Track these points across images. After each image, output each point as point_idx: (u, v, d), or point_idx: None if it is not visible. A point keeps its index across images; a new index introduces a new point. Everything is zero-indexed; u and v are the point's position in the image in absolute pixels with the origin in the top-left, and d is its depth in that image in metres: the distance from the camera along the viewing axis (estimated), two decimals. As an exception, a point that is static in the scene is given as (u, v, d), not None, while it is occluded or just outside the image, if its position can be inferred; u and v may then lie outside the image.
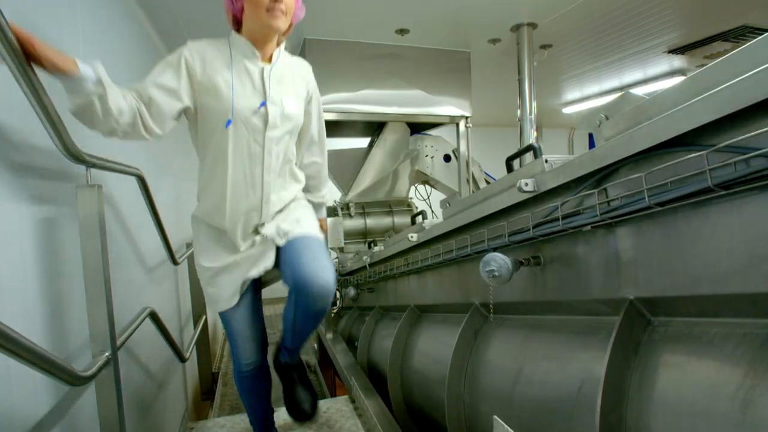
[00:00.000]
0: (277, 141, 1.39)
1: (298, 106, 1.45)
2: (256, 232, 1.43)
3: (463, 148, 3.89)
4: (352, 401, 2.28)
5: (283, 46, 1.46)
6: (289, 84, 1.43)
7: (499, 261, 1.25)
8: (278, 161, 1.41)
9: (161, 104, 1.24)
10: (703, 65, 0.99)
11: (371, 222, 4.09)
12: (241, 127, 1.32)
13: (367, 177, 4.02)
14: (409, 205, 4.28)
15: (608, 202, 1.04)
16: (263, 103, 1.34)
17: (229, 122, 1.30)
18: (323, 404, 2.19)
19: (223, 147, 1.34)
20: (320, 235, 1.48)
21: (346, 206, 4.04)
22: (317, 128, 1.63)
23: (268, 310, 6.46)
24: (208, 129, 1.35)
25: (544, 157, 1.24)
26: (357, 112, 3.51)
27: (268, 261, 1.44)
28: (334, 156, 3.59)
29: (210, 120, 1.34)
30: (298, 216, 1.48)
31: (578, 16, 3.25)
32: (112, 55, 1.83)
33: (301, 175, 1.57)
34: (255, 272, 1.43)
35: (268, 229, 1.42)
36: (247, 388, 1.63)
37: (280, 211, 1.47)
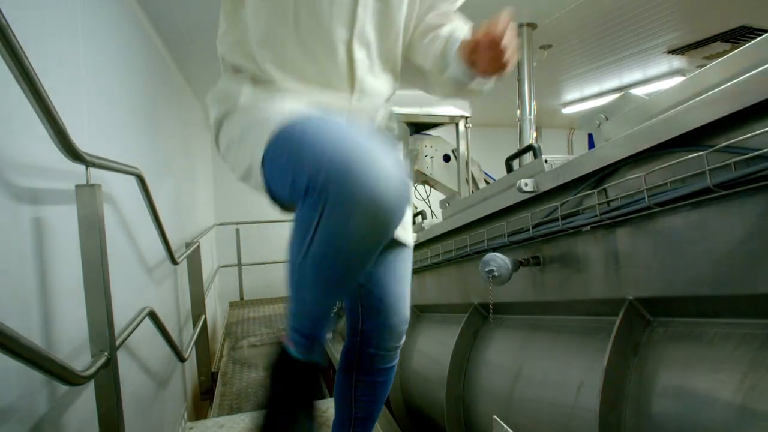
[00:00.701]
0: None
1: None
2: None
3: (462, 148, 3.89)
4: (352, 401, 2.28)
5: None
6: None
7: (498, 261, 1.25)
8: (377, 30, 0.85)
9: None
10: (703, 65, 0.99)
11: (371, 222, 4.08)
12: None
13: (366, 177, 4.02)
14: (408, 205, 4.27)
15: (608, 202, 1.04)
16: None
17: None
18: (323, 404, 2.19)
19: None
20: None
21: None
22: None
23: (268, 310, 6.35)
24: None
25: (543, 157, 1.24)
26: (357, 112, 3.51)
27: None
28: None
29: None
30: None
31: (578, 16, 3.25)
32: (112, 54, 1.82)
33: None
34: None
35: None
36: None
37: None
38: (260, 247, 6.09)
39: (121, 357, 1.40)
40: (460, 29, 0.90)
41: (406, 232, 0.96)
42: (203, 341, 3.18)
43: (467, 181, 3.96)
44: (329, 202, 0.62)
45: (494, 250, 1.40)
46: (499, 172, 3.06)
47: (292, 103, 0.79)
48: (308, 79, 0.85)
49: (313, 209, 0.63)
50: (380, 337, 0.94)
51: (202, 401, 3.22)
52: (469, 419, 1.64)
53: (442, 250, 1.84)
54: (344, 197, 0.61)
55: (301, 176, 0.64)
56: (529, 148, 1.47)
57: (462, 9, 0.99)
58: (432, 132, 4.30)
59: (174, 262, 2.31)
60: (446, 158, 4.25)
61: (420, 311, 2.32)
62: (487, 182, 4.20)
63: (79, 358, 1.17)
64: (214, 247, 5.49)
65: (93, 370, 1.05)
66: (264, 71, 0.85)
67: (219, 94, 0.90)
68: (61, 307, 1.11)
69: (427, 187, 4.51)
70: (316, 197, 0.62)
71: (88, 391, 1.19)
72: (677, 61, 4.35)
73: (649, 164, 0.94)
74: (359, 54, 0.84)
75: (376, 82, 0.90)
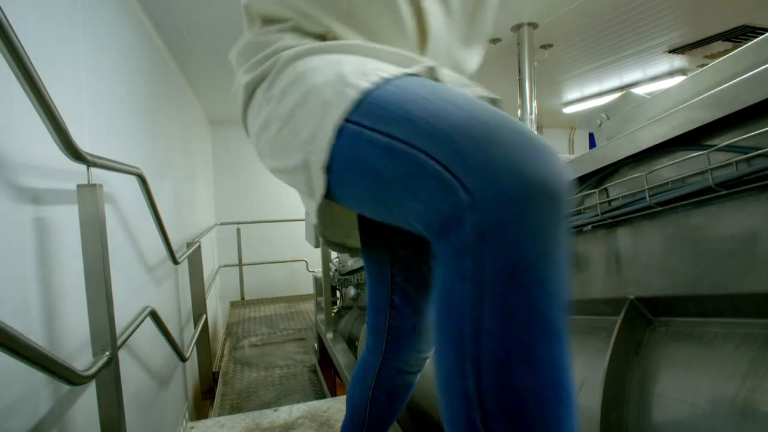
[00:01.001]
0: None
1: None
2: None
3: (463, 147, 3.89)
4: (353, 401, 2.28)
5: None
6: None
7: (499, 261, 1.25)
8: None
9: None
10: (703, 65, 1.00)
11: (371, 222, 4.08)
12: None
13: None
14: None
15: (609, 201, 1.04)
16: None
17: None
18: (323, 404, 2.20)
19: None
20: None
21: (346, 206, 4.02)
22: None
23: (268, 310, 6.35)
24: None
25: (544, 156, 1.24)
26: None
27: None
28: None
29: None
30: None
31: (579, 16, 3.25)
32: (113, 54, 1.83)
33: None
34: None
35: None
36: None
37: None
38: (261, 246, 6.10)
39: (123, 356, 1.40)
40: None
41: None
42: (204, 341, 3.18)
43: (468, 180, 3.96)
44: (495, 217, 0.39)
45: (495, 249, 1.40)
46: (499, 171, 3.05)
47: (371, 61, 0.54)
48: (374, 32, 0.62)
49: (465, 241, 0.40)
50: (405, 360, 0.88)
51: (203, 401, 3.23)
52: (469, 419, 1.64)
53: (443, 249, 1.84)
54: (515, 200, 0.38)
55: (428, 193, 0.42)
56: (530, 147, 1.46)
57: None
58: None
59: (175, 261, 2.31)
60: (447, 158, 4.25)
61: (421, 311, 2.31)
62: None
63: (81, 357, 1.18)
64: (215, 247, 5.49)
65: (94, 369, 1.05)
66: (312, 19, 0.62)
67: (250, 47, 0.66)
68: (62, 306, 1.11)
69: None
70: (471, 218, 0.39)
71: (90, 391, 1.19)
72: (678, 61, 4.35)
73: (650, 163, 0.94)
74: (430, 6, 0.62)
75: (457, 51, 0.67)
